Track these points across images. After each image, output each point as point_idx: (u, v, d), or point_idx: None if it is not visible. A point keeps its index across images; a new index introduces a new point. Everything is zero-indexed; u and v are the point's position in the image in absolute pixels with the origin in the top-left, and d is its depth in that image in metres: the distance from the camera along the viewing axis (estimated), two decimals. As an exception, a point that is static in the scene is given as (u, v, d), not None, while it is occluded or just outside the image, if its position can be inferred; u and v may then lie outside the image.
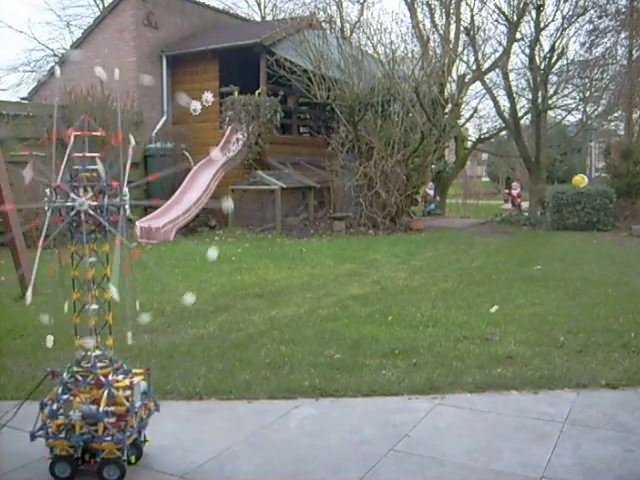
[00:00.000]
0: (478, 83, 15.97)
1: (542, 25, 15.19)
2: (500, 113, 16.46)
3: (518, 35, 15.45)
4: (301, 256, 8.96)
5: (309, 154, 14.84)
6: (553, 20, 15.27)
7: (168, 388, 3.81)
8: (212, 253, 2.76)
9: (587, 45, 16.44)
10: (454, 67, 14.91)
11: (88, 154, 2.79)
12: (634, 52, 15.94)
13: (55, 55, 24.00)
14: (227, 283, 7.02)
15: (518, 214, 15.81)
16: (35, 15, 47.33)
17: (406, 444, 3.09)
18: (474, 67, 15.38)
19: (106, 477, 2.71)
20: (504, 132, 19.35)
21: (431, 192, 18.04)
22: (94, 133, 2.91)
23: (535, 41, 15.33)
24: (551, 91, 15.83)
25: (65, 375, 2.79)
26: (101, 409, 2.68)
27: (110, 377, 2.79)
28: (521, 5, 14.85)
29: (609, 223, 12.57)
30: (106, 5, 18.13)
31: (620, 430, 3.22)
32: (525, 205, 17.17)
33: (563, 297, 6.30)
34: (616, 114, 19.48)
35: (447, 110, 13.53)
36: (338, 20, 14.77)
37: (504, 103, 16.52)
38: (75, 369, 2.80)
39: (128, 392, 2.78)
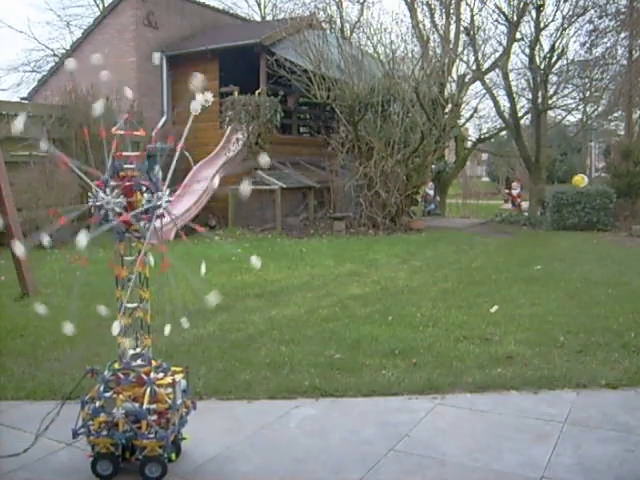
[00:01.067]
0: (478, 83, 15.97)
1: (542, 25, 15.19)
2: (500, 113, 16.46)
3: (518, 35, 15.46)
4: (301, 256, 8.96)
5: (309, 154, 14.83)
6: (553, 20, 15.29)
7: (168, 388, 3.81)
8: (256, 261, 2.75)
9: (587, 45, 16.46)
10: (454, 67, 14.91)
11: (130, 153, 2.85)
12: (634, 52, 15.94)
13: (55, 55, 24.01)
14: (227, 283, 7.02)
15: (518, 214, 15.81)
16: (35, 15, 47.39)
17: (406, 444, 3.09)
18: (474, 67, 15.37)
19: (148, 474, 2.73)
20: (504, 132, 19.34)
21: (431, 192, 18.03)
22: (136, 133, 2.90)
23: (535, 41, 15.32)
24: (551, 91, 15.82)
25: (106, 373, 2.80)
26: (145, 406, 2.70)
27: (152, 375, 2.80)
28: (521, 5, 14.85)
29: (609, 223, 12.57)
30: (106, 5, 18.13)
31: (620, 430, 3.22)
32: (525, 205, 17.17)
33: (563, 297, 6.29)
34: (616, 114, 19.50)
35: (447, 110, 13.52)
36: (338, 20, 14.77)
37: (504, 103, 16.54)
38: (116, 367, 2.81)
39: (169, 390, 2.80)
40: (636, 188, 13.76)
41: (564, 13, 15.07)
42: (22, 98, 16.91)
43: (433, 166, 16.19)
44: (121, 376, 2.78)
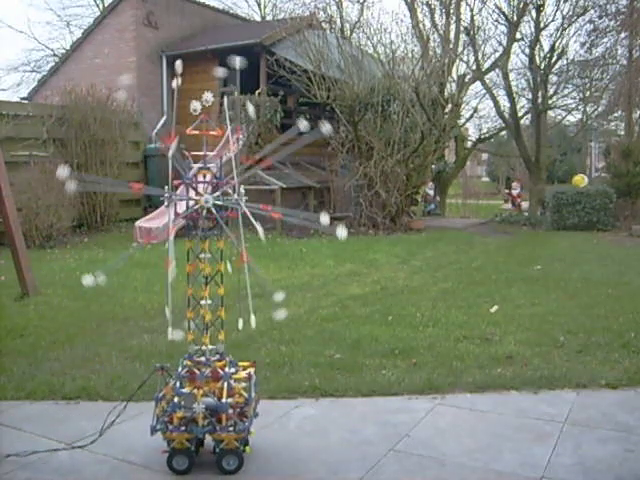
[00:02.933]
0: (478, 83, 15.96)
1: (542, 25, 15.19)
2: (500, 113, 16.45)
3: (518, 35, 15.45)
4: (301, 256, 8.96)
5: (309, 154, 14.83)
6: (553, 20, 15.28)
7: (168, 388, 3.81)
8: (279, 296, 2.87)
9: (587, 45, 16.43)
10: (454, 67, 14.91)
11: (202, 153, 2.88)
12: (634, 52, 15.92)
13: (55, 55, 24.01)
14: (227, 283, 7.01)
15: (518, 214, 15.81)
16: (35, 15, 47.40)
17: (406, 444, 3.09)
18: (474, 67, 15.37)
19: (225, 467, 2.78)
20: (504, 132, 19.34)
21: (431, 192, 18.03)
22: (211, 132, 2.98)
23: (535, 41, 15.32)
24: (551, 91, 15.82)
25: (180, 369, 2.82)
26: (224, 400, 2.73)
27: (226, 369, 2.84)
28: (521, 5, 14.84)
29: (609, 223, 12.57)
30: (106, 5, 18.12)
31: (620, 430, 3.22)
32: (525, 205, 17.16)
33: (563, 297, 6.29)
34: (616, 114, 19.47)
35: (447, 110, 13.52)
36: (338, 20, 14.76)
37: (504, 103, 16.52)
38: (189, 363, 2.83)
39: (243, 384, 2.85)
40: (636, 188, 13.75)
41: (564, 13, 15.08)
42: (22, 98, 16.91)
43: (433, 166, 16.19)
44: (196, 372, 2.80)
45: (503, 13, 15.14)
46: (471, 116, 17.56)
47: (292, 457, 2.97)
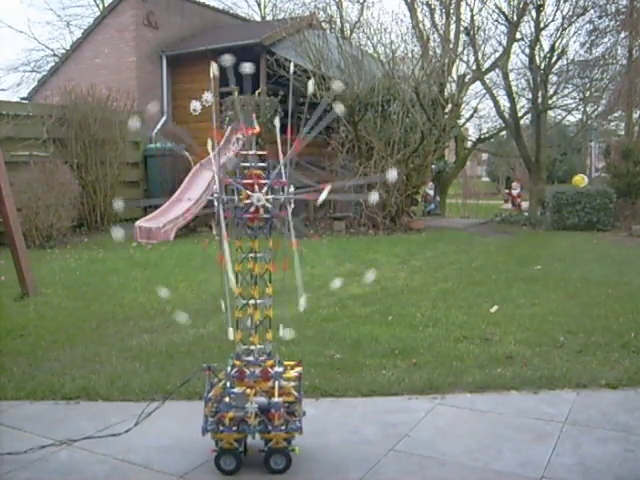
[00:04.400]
0: (478, 83, 15.96)
1: (542, 25, 15.18)
2: (500, 113, 16.45)
3: (518, 35, 15.45)
4: (301, 256, 8.94)
5: (309, 154, 14.82)
6: (553, 20, 15.27)
7: (168, 388, 3.81)
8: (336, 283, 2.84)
9: (587, 45, 16.44)
10: (454, 67, 14.90)
11: (252, 152, 2.86)
12: (634, 52, 15.92)
13: (55, 55, 24.02)
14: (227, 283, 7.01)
15: (518, 214, 15.81)
16: (35, 15, 47.41)
17: (406, 444, 3.09)
18: (474, 67, 15.37)
19: (273, 466, 2.78)
20: (504, 132, 19.33)
21: (431, 192, 18.03)
22: (254, 131, 3.01)
23: (535, 41, 15.31)
24: (551, 91, 15.81)
25: (229, 369, 2.83)
26: (276, 400, 2.74)
27: (276, 369, 2.84)
28: (521, 5, 14.84)
29: (609, 223, 12.57)
30: (106, 5, 18.13)
31: (620, 430, 3.22)
32: (525, 205, 17.16)
33: (563, 297, 6.29)
34: (616, 114, 19.47)
35: (447, 110, 13.52)
36: (338, 20, 14.75)
37: (504, 103, 16.52)
38: (238, 363, 2.83)
39: (292, 383, 2.85)
40: (636, 188, 13.75)
41: (564, 13, 15.08)
42: (22, 98, 16.91)
43: (433, 166, 16.18)
44: (246, 371, 2.80)
45: (503, 13, 15.15)
46: (471, 116, 17.57)
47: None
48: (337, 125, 13.56)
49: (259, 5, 25.92)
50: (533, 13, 15.16)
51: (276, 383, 2.79)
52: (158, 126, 14.55)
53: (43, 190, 10.01)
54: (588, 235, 11.68)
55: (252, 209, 2.78)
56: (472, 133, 21.71)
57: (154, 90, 14.72)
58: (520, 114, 16.53)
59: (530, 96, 16.01)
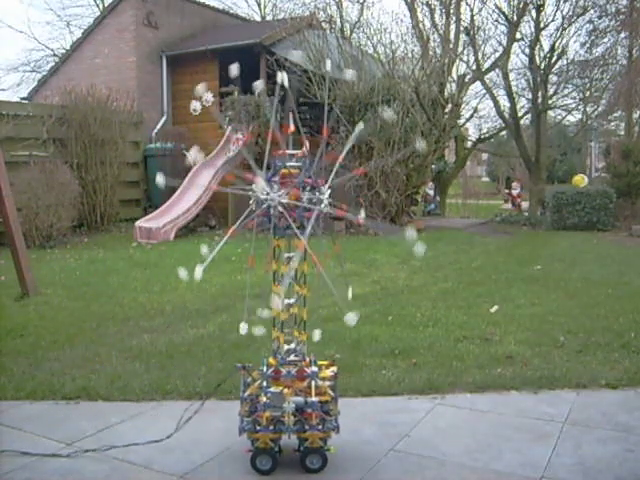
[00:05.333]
0: (478, 83, 15.96)
1: (542, 25, 15.18)
2: (500, 113, 16.45)
3: (518, 35, 15.44)
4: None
5: (309, 154, 14.83)
6: (553, 20, 15.27)
7: (168, 388, 3.81)
8: (351, 318, 2.76)
9: (587, 45, 16.43)
10: (454, 67, 14.90)
11: (290, 151, 2.90)
12: (634, 52, 15.92)
13: (55, 55, 24.02)
14: (227, 283, 7.02)
15: (518, 214, 15.80)
16: (35, 15, 47.40)
17: (406, 444, 3.09)
18: (474, 67, 15.36)
19: (309, 466, 2.78)
20: (504, 132, 19.33)
21: (431, 192, 18.03)
22: (291, 130, 3.02)
23: (535, 41, 15.31)
24: (551, 91, 15.81)
25: (265, 369, 2.82)
26: (314, 399, 2.74)
27: (312, 368, 2.84)
28: (521, 5, 14.84)
29: (609, 223, 12.56)
30: (106, 5, 18.12)
31: (620, 430, 3.22)
32: (525, 205, 17.15)
33: (563, 297, 6.29)
34: (616, 114, 19.47)
35: (447, 110, 13.52)
36: (338, 20, 14.77)
37: (504, 103, 16.51)
38: (272, 362, 2.84)
39: (328, 382, 2.85)
40: (636, 188, 13.75)
41: (564, 13, 15.07)
42: (22, 98, 16.90)
43: (433, 166, 16.18)
44: (282, 371, 2.80)
45: (503, 13, 15.15)
46: (471, 116, 17.56)
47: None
48: (337, 125, 13.56)
49: (259, 5, 25.93)
50: (533, 13, 15.17)
51: (312, 383, 2.79)
52: (158, 126, 14.56)
53: (43, 190, 10.01)
54: (588, 235, 11.68)
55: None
56: (472, 133, 21.71)
57: (154, 90, 14.72)
58: (520, 114, 16.53)
59: (530, 96, 16.00)
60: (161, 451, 3.02)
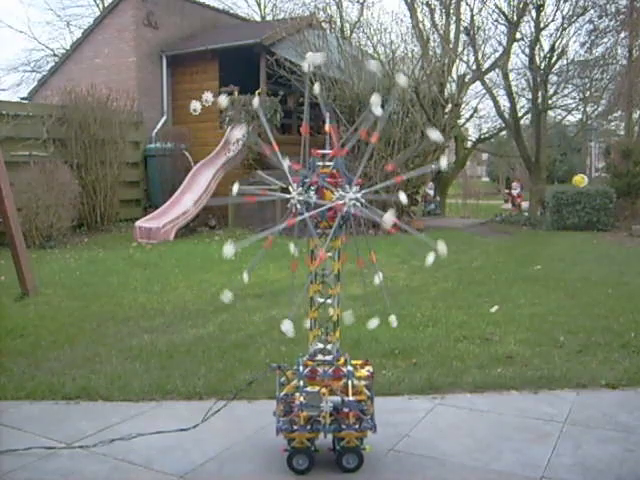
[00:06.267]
0: (478, 83, 15.95)
1: (542, 25, 15.16)
2: (500, 113, 16.44)
3: (518, 35, 15.42)
4: (301, 256, 8.94)
5: (309, 154, 14.83)
6: (553, 20, 15.24)
7: (168, 388, 3.81)
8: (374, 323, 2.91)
9: (587, 45, 16.42)
10: (454, 67, 14.90)
11: (323, 151, 2.88)
12: (634, 52, 15.91)
13: (55, 55, 24.02)
14: (227, 283, 7.01)
15: (518, 214, 15.80)
16: (35, 15, 47.43)
17: (406, 444, 3.09)
18: (474, 67, 15.36)
19: (345, 465, 2.78)
20: (504, 132, 19.33)
21: (431, 192, 18.03)
22: (330, 130, 2.97)
23: (535, 41, 15.30)
24: (551, 91, 15.80)
25: (301, 369, 2.83)
26: (351, 398, 2.74)
27: (348, 368, 2.84)
28: (521, 5, 14.83)
29: (609, 223, 12.56)
30: (106, 5, 18.13)
31: (620, 430, 3.22)
32: (525, 205, 17.15)
33: (563, 297, 6.29)
34: (616, 114, 19.46)
35: (447, 110, 13.52)
36: (338, 20, 14.77)
37: (504, 103, 16.51)
38: (309, 362, 2.84)
39: (364, 382, 2.85)
40: (636, 188, 13.75)
41: (564, 13, 15.05)
42: (22, 98, 16.90)
43: (433, 166, 16.17)
44: (319, 370, 2.80)
45: (503, 13, 15.13)
46: (471, 116, 17.56)
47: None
48: (337, 125, 13.56)
49: (259, 5, 25.90)
50: (533, 13, 15.15)
51: (349, 382, 2.79)
52: (158, 126, 14.56)
53: (43, 190, 10.01)
54: (588, 235, 11.67)
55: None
56: (472, 133, 21.71)
57: (154, 90, 14.71)
58: (520, 114, 16.52)
59: (530, 96, 15.99)
60: (161, 451, 3.03)
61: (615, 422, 3.32)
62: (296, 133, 16.54)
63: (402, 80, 2.93)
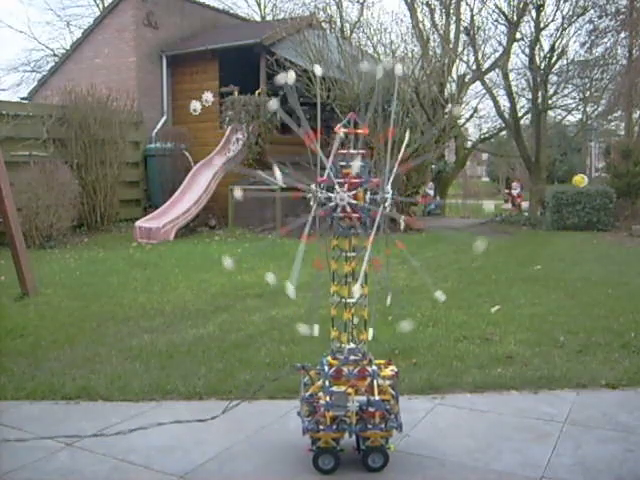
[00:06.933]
0: (478, 83, 15.96)
1: (542, 25, 15.16)
2: (500, 113, 16.43)
3: (518, 35, 15.42)
4: (301, 256, 8.94)
5: (309, 154, 14.83)
6: (553, 20, 15.24)
7: (168, 388, 3.81)
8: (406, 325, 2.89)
9: (587, 45, 16.42)
10: (454, 67, 14.90)
11: (353, 151, 2.90)
12: (634, 52, 15.92)
13: (55, 55, 24.02)
14: (227, 283, 7.02)
15: (518, 214, 15.80)
16: (35, 15, 47.44)
17: (406, 444, 3.09)
18: (474, 67, 15.36)
19: (371, 464, 2.79)
20: (504, 132, 19.33)
21: (431, 192, 18.03)
22: (359, 131, 2.99)
23: (535, 41, 15.30)
24: (551, 91, 15.80)
25: (326, 369, 2.82)
26: (377, 398, 2.75)
27: (373, 367, 2.84)
28: (521, 5, 14.83)
29: (609, 223, 12.56)
30: (106, 5, 18.13)
31: (620, 430, 3.22)
32: (525, 205, 17.15)
33: (563, 297, 6.29)
34: (616, 114, 19.46)
35: (447, 110, 13.52)
36: (338, 20, 14.78)
37: (504, 103, 16.51)
38: (333, 362, 2.84)
39: (389, 381, 2.86)
40: (636, 188, 13.75)
41: (564, 13, 15.05)
42: (22, 98, 16.91)
43: (433, 166, 16.19)
44: (344, 370, 2.80)
45: (503, 13, 15.13)
46: (471, 116, 17.56)
47: (292, 457, 2.97)
48: (336, 125, 13.54)
49: (259, 5, 25.92)
50: (533, 13, 15.15)
51: (374, 382, 2.79)
52: (158, 126, 14.56)
53: (43, 190, 10.01)
54: (588, 235, 11.67)
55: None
56: (472, 133, 21.72)
57: (154, 90, 14.72)
58: (520, 114, 16.52)
59: (530, 96, 15.99)
60: (161, 451, 3.03)
61: (615, 422, 3.32)
62: (296, 133, 16.53)
63: (399, 70, 2.94)
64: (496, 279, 7.26)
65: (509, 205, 18.80)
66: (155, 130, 14.42)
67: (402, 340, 4.76)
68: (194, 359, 4.36)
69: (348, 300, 2.93)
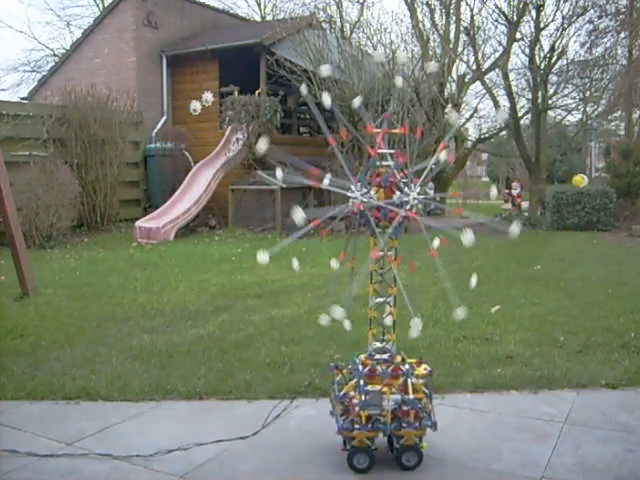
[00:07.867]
0: (478, 83, 15.96)
1: (542, 25, 15.17)
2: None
3: (518, 35, 15.43)
4: (301, 256, 8.95)
5: (309, 154, 14.82)
6: (553, 20, 15.25)
7: (168, 388, 3.81)
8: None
9: (587, 45, 16.42)
10: (454, 67, 14.91)
11: (385, 150, 2.91)
12: (634, 52, 15.91)
13: (55, 55, 24.02)
14: (227, 283, 7.02)
15: (518, 214, 15.79)
16: (35, 15, 47.44)
17: (406, 444, 3.08)
18: (474, 67, 15.37)
19: (405, 463, 2.79)
20: (504, 132, 19.33)
21: (431, 192, 18.02)
22: (394, 131, 2.99)
23: (535, 41, 15.30)
24: (551, 91, 15.80)
25: (360, 368, 2.83)
26: (411, 397, 2.75)
27: (406, 366, 2.85)
28: (521, 5, 14.84)
29: (609, 223, 12.56)
30: (106, 5, 18.13)
31: (620, 430, 3.22)
32: (525, 205, 17.15)
33: (563, 297, 6.29)
34: (616, 114, 19.46)
35: (447, 110, 13.52)
36: (338, 20, 14.78)
37: (504, 103, 16.51)
38: (367, 361, 2.85)
39: (422, 380, 2.87)
40: (636, 188, 13.75)
41: (564, 13, 15.06)
42: (22, 98, 16.91)
43: (433, 166, 16.17)
44: (378, 369, 2.81)
45: (503, 13, 15.14)
46: (471, 116, 17.55)
47: (292, 457, 2.97)
48: (337, 125, 13.55)
49: (259, 5, 25.92)
50: (533, 13, 15.15)
51: (409, 380, 2.80)
52: (158, 126, 14.56)
53: (43, 190, 10.02)
54: (588, 235, 11.67)
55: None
56: (472, 133, 21.70)
57: (154, 90, 14.72)
58: (520, 114, 16.52)
59: (530, 96, 15.99)
60: (161, 451, 3.02)
61: (615, 422, 3.32)
62: (296, 133, 16.54)
63: (399, 82, 2.95)
64: (496, 279, 7.26)
65: (509, 205, 18.80)
66: (155, 130, 14.42)
67: (402, 340, 4.75)
68: (194, 359, 4.36)
69: (388, 300, 3.03)
